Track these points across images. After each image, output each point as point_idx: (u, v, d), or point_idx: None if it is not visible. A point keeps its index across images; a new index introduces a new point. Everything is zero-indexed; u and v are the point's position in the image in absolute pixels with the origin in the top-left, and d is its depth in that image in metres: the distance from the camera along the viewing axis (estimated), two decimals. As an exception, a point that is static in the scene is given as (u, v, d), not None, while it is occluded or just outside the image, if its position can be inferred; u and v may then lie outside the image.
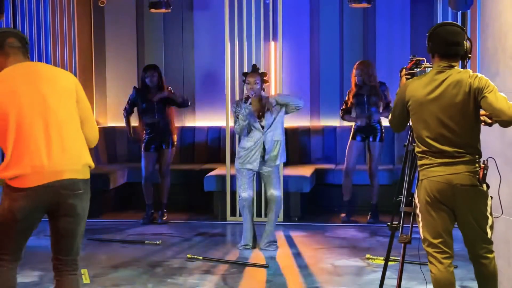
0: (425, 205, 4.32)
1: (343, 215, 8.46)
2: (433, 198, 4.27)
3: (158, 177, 8.53)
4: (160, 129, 8.39)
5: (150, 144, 8.40)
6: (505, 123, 4.18)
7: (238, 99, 7.34)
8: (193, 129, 9.83)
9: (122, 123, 9.86)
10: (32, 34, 8.42)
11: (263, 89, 7.14)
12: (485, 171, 4.24)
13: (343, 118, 8.52)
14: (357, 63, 8.41)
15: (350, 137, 8.41)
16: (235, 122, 7.12)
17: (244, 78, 7.18)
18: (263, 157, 7.08)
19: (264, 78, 7.11)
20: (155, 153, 8.44)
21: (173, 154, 8.54)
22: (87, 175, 4.11)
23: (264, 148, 7.06)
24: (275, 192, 7.12)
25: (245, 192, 7.10)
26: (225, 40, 8.54)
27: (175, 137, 8.55)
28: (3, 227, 4.01)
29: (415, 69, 4.71)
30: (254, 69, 7.19)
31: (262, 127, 7.04)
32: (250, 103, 7.00)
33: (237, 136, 8.42)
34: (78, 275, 4.19)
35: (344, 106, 8.48)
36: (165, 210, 8.51)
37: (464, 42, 4.31)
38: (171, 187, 8.75)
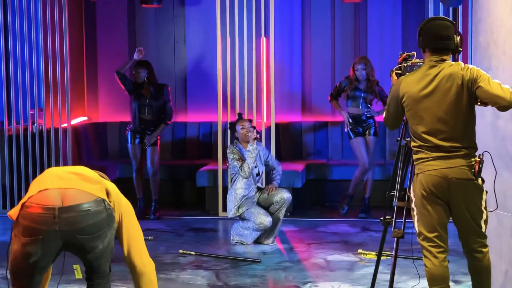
0: (421, 199, 4.32)
1: (344, 209, 8.48)
2: (429, 192, 4.28)
3: (149, 172, 8.52)
4: (149, 125, 8.41)
5: (135, 136, 8.43)
6: (504, 108, 4.19)
7: (230, 144, 7.36)
8: (184, 125, 9.81)
9: (114, 119, 9.87)
10: (22, 29, 8.39)
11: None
12: (480, 165, 4.25)
13: (331, 101, 8.57)
14: (359, 58, 8.41)
15: (351, 137, 8.41)
16: (236, 167, 7.10)
17: (232, 127, 7.26)
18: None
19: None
20: (140, 145, 8.46)
21: (159, 151, 8.54)
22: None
23: (258, 188, 7.27)
24: (286, 194, 7.17)
25: (268, 217, 7.03)
26: (217, 35, 8.53)
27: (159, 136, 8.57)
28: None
29: (404, 64, 4.70)
30: (241, 116, 7.36)
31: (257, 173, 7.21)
32: (254, 144, 7.10)
33: (228, 132, 8.41)
34: (108, 280, 4.18)
35: (333, 92, 8.51)
36: (158, 206, 8.51)
37: (454, 36, 4.32)
38: (163, 183, 8.72)
